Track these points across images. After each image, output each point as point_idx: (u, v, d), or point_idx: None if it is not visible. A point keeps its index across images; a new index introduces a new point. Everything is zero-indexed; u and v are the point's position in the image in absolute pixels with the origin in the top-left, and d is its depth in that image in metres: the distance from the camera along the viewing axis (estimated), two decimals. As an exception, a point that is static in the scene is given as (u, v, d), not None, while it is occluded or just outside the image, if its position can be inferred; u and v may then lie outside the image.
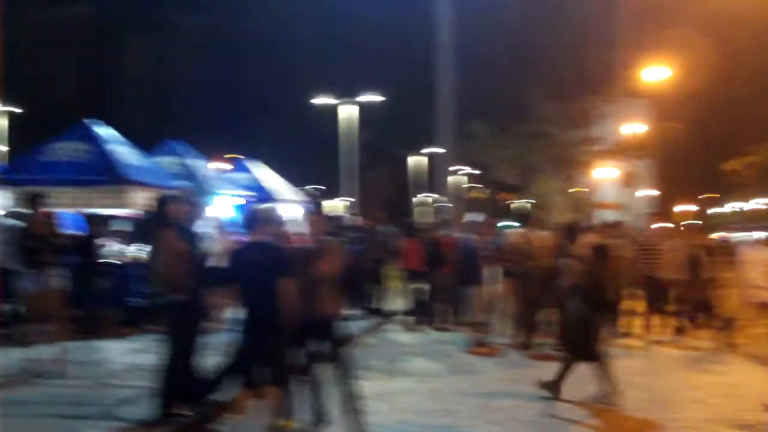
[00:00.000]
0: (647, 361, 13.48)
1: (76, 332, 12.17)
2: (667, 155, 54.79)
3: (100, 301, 13.95)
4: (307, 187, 51.78)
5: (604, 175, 53.11)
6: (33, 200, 11.12)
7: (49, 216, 11.73)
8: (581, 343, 10.13)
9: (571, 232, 10.72)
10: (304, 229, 8.80)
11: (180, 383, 8.62)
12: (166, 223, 9.07)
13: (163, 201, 10.10)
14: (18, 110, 44.94)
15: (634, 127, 48.70)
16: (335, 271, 8.37)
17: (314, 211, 11.24)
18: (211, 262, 8.99)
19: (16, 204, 14.48)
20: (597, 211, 47.46)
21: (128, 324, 14.22)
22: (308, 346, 8.40)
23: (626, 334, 15.23)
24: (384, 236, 17.98)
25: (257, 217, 8.16)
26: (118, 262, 14.88)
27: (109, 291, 14.05)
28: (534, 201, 61.68)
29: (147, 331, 13.27)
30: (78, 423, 8.64)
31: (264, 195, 22.20)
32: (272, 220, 8.48)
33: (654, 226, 16.72)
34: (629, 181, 52.80)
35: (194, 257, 8.55)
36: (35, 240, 10.80)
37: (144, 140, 20.20)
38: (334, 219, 18.00)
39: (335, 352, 8.31)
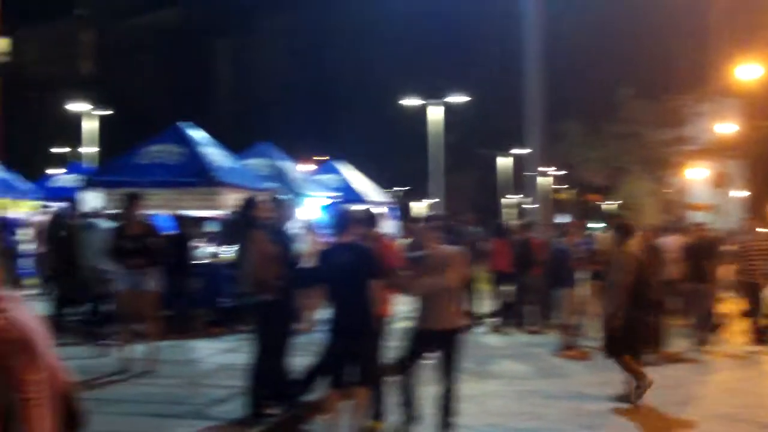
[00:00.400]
0: (747, 368, 13.09)
1: (168, 332, 12.37)
2: (761, 155, 53.43)
3: (191, 301, 14.19)
4: (392, 189, 51.96)
5: (696, 175, 52.03)
6: (129, 201, 11.31)
7: (144, 217, 11.93)
8: (621, 343, 9.91)
9: (622, 230, 10.49)
10: (398, 232, 8.74)
11: (270, 383, 8.69)
12: (255, 224, 9.15)
13: (251, 202, 10.20)
14: (108, 113, 45.94)
15: (726, 127, 47.66)
16: (461, 282, 8.26)
17: (430, 219, 11.09)
18: (301, 263, 9.04)
19: (110, 205, 14.80)
20: (688, 212, 46.57)
21: (219, 324, 14.42)
22: (422, 353, 8.25)
23: (722, 340, 14.89)
24: (473, 237, 17.81)
25: (346, 218, 8.15)
26: (209, 263, 15.11)
27: (200, 291, 14.28)
28: (622, 202, 60.73)
29: (237, 331, 13.43)
30: (170, 421, 8.78)
31: (352, 196, 22.30)
32: (362, 221, 8.47)
33: (753, 228, 16.20)
34: (721, 182, 51.68)
35: (284, 258, 8.60)
36: (130, 240, 10.98)
37: (233, 143, 20.50)
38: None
39: (449, 359, 8.10)
